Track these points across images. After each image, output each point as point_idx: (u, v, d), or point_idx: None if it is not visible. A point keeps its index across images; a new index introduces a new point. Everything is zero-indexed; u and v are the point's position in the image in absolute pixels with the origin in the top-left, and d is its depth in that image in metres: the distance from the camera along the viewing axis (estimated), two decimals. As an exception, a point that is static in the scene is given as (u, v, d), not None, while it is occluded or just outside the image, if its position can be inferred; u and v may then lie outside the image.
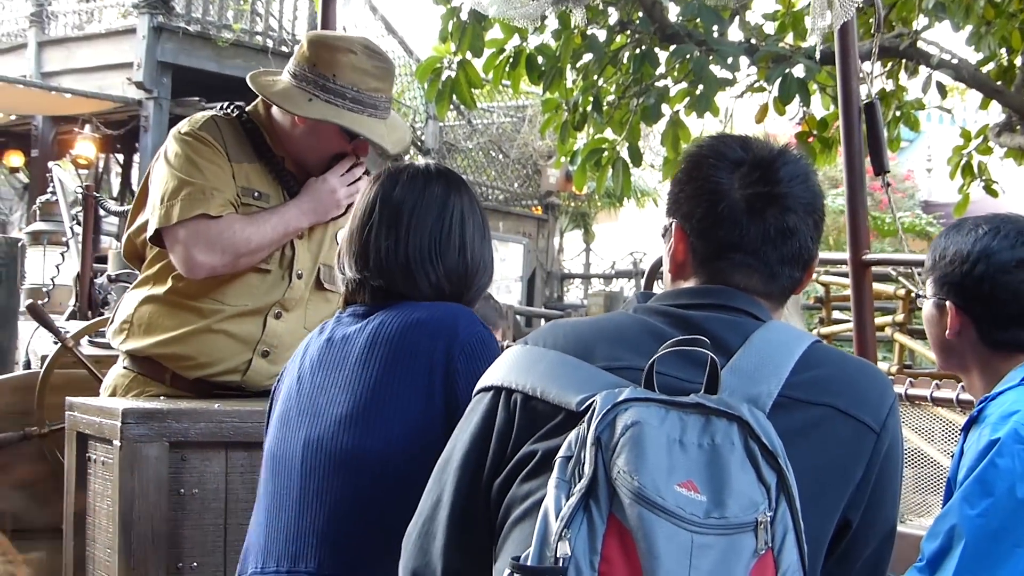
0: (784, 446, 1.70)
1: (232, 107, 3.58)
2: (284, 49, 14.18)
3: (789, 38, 8.27)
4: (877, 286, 9.92)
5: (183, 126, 3.45)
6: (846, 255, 4.11)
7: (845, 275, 10.15)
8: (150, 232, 3.36)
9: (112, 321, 3.62)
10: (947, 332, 2.61)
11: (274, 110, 3.56)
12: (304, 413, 2.50)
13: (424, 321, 2.44)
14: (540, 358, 1.92)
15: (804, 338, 1.95)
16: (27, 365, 5.06)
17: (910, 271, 8.16)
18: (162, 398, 3.35)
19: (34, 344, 5.25)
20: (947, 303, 2.60)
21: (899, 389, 3.93)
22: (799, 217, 2.02)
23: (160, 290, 3.46)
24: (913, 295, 9.10)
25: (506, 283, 16.74)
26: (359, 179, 3.55)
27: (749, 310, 1.99)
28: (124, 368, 3.53)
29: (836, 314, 11.21)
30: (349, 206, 3.53)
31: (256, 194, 3.45)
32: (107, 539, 3.05)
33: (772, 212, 2.00)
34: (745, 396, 1.77)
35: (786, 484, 1.67)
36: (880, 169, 4.12)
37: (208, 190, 3.33)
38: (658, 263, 2.20)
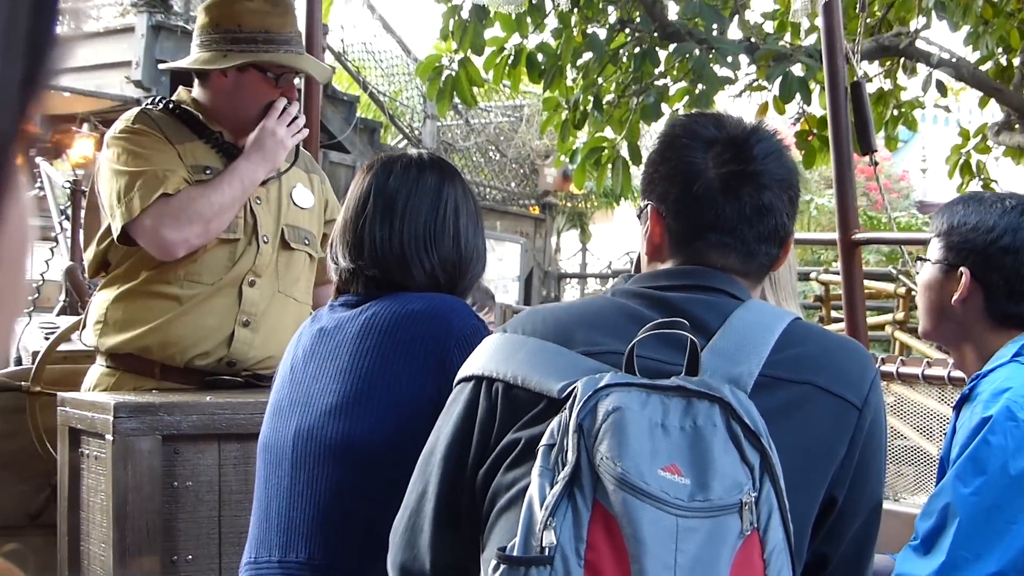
0: (767, 425, 1.70)
1: (158, 99, 3.62)
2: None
3: (788, 36, 8.27)
4: (877, 284, 9.92)
5: (115, 128, 3.46)
6: (832, 235, 4.12)
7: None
8: (117, 232, 3.35)
9: (84, 324, 3.61)
10: (953, 298, 2.60)
11: (195, 89, 3.61)
12: (296, 403, 2.50)
13: (419, 312, 2.44)
14: (520, 346, 1.92)
15: (783, 316, 1.95)
16: (18, 361, 5.03)
17: (909, 269, 8.14)
18: (154, 392, 3.34)
19: (24, 340, 5.23)
20: (961, 268, 2.60)
21: (890, 368, 3.93)
22: (774, 194, 2.01)
23: (132, 284, 3.46)
24: (913, 293, 9.09)
25: (503, 283, 16.72)
26: (296, 118, 3.58)
27: (727, 289, 1.98)
28: (107, 367, 3.51)
29: (835, 313, 11.20)
30: (297, 149, 3.64)
31: (207, 170, 3.46)
32: (101, 534, 3.05)
33: (747, 190, 1.99)
34: (726, 377, 1.77)
35: (770, 464, 1.68)
36: (867, 148, 4.13)
37: (160, 172, 3.34)
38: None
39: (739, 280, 2.02)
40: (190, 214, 3.32)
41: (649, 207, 2.08)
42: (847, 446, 1.87)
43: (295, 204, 3.67)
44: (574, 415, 1.67)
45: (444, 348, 2.39)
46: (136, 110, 3.53)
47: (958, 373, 3.63)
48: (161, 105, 3.57)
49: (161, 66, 3.78)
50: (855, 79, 4.11)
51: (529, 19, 7.67)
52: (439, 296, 2.51)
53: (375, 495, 2.35)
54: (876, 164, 4.25)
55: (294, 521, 2.42)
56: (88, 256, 3.60)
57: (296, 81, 3.64)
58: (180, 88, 3.67)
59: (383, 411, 2.38)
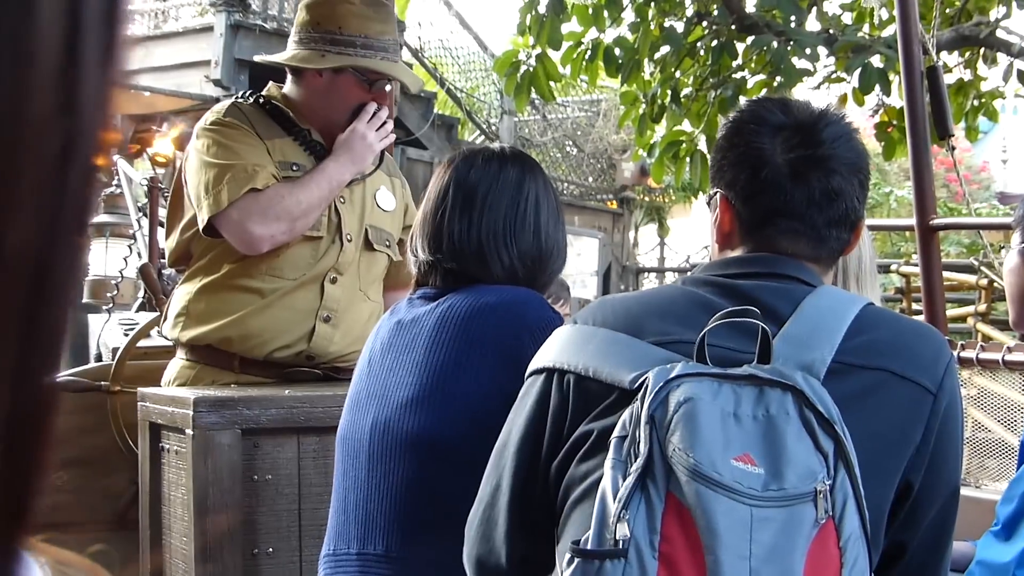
0: (840, 412, 1.69)
1: (248, 94, 3.65)
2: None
3: (867, 28, 8.19)
4: (959, 276, 9.82)
5: (206, 120, 3.50)
6: (909, 220, 4.07)
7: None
8: (202, 224, 3.38)
9: (165, 317, 3.65)
10: None
11: (287, 86, 3.64)
12: (373, 396, 2.51)
13: (493, 305, 2.43)
14: (591, 337, 1.92)
15: (856, 302, 1.93)
16: (98, 358, 5.09)
17: (991, 260, 8.06)
18: (233, 386, 3.38)
19: (104, 336, 5.28)
20: None
21: (970, 354, 3.88)
22: (844, 178, 1.99)
23: (215, 277, 3.49)
24: (996, 285, 8.99)
25: (581, 277, 16.68)
26: (385, 123, 3.61)
27: (798, 276, 1.97)
28: (187, 360, 3.55)
29: (916, 305, 11.10)
30: (382, 153, 3.66)
31: (294, 166, 3.49)
32: (183, 527, 3.08)
33: (816, 175, 1.98)
34: (799, 364, 1.76)
35: (844, 451, 1.66)
36: (944, 133, 4.08)
37: (250, 167, 3.36)
38: None
39: (810, 266, 2.01)
40: (278, 211, 3.35)
41: (718, 194, 2.07)
42: (922, 432, 1.85)
43: (378, 206, 3.70)
44: (645, 406, 1.67)
45: (519, 341, 2.38)
46: (228, 102, 3.57)
47: (1013, 357, 3.59)
48: (252, 99, 3.60)
49: (257, 58, 3.82)
50: (932, 64, 4.06)
51: (606, 13, 7.65)
52: (513, 288, 2.50)
53: (451, 488, 2.36)
54: (953, 149, 4.20)
55: (371, 514, 2.43)
56: (170, 245, 3.63)
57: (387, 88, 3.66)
58: (271, 83, 3.71)
59: (458, 405, 2.38)
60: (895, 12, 4.05)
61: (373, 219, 3.67)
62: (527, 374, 2.00)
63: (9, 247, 0.45)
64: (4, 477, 0.48)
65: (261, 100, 3.60)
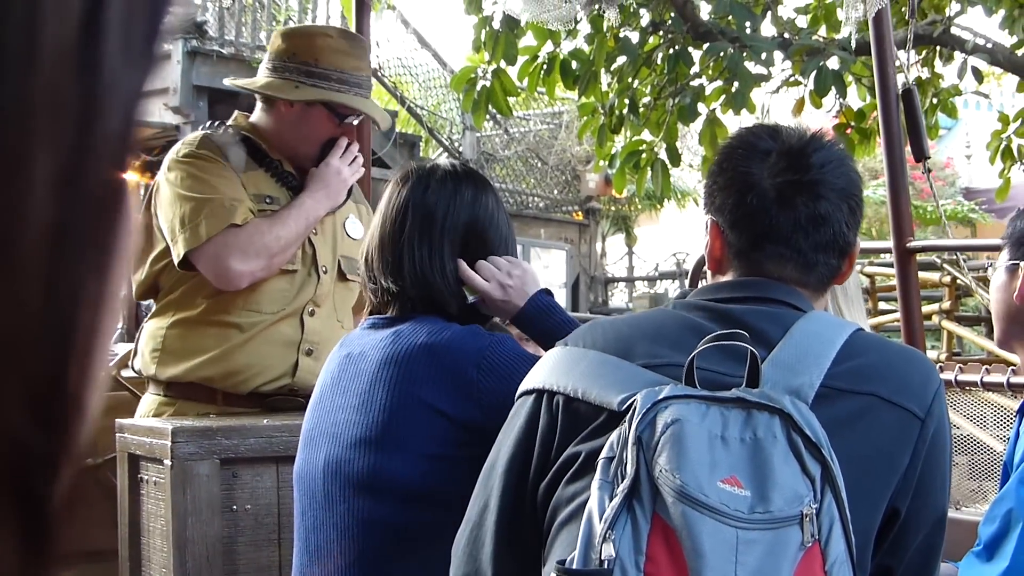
0: (828, 437, 1.69)
1: (216, 124, 3.62)
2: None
3: (822, 31, 8.24)
4: (922, 274, 9.87)
5: (178, 151, 3.46)
6: (890, 243, 4.10)
7: (889, 265, 10.13)
8: (178, 258, 3.34)
9: (136, 352, 3.61)
10: (1015, 294, 2.57)
11: (256, 114, 3.63)
12: (324, 433, 2.49)
13: (432, 347, 2.39)
14: (580, 359, 1.92)
15: (845, 327, 1.94)
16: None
17: (955, 257, 8.11)
18: (211, 416, 3.36)
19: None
20: (1021, 264, 2.57)
21: (948, 376, 3.90)
22: (831, 203, 2.00)
23: (190, 313, 3.46)
24: (959, 282, 9.05)
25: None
26: (356, 157, 3.62)
27: (788, 300, 1.98)
28: (165, 396, 3.51)
29: (882, 304, 11.16)
30: (350, 189, 3.65)
31: (268, 199, 3.48)
32: (162, 559, 3.07)
33: (802, 199, 1.99)
34: (787, 388, 1.76)
35: (831, 475, 1.67)
36: (920, 155, 4.12)
37: (228, 202, 3.35)
38: (701, 261, 2.19)
39: (799, 291, 2.02)
40: (257, 247, 3.34)
41: (709, 220, 2.09)
42: (910, 457, 1.85)
43: (348, 236, 3.71)
44: (633, 427, 1.68)
45: (466, 377, 2.36)
46: (200, 133, 3.54)
47: (1018, 379, 3.60)
48: (222, 130, 3.58)
49: (227, 81, 3.80)
50: (907, 87, 4.10)
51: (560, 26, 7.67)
52: (452, 328, 2.45)
53: (410, 527, 2.35)
54: (929, 171, 4.24)
55: (332, 553, 2.41)
56: (138, 278, 3.58)
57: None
58: (237, 113, 3.69)
59: (410, 444, 2.35)
60: (869, 35, 4.09)
61: (344, 249, 3.67)
62: (517, 395, 2.01)
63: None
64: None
65: (231, 131, 3.58)
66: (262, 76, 3.60)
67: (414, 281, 2.51)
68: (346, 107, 3.55)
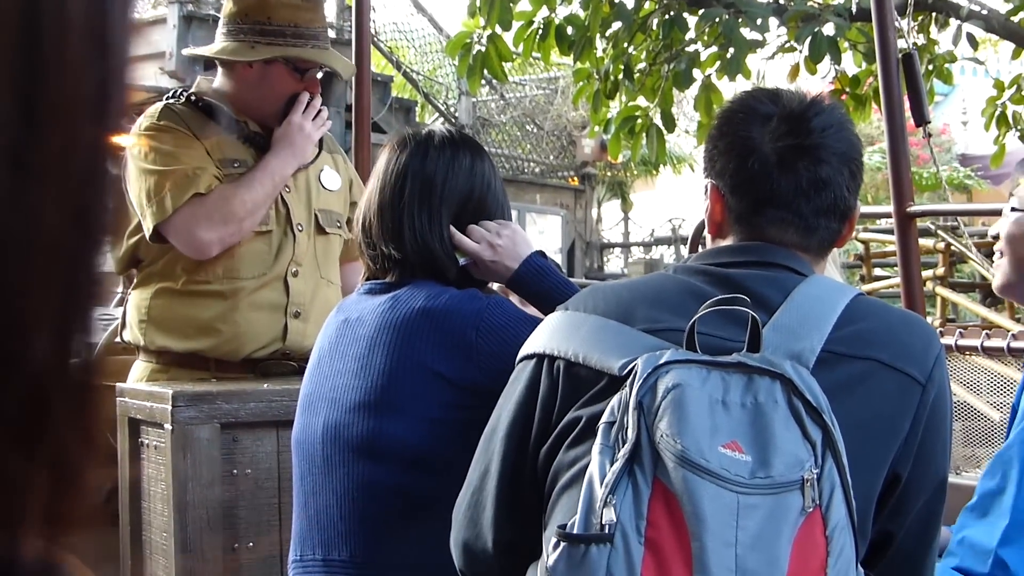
0: (829, 402, 1.70)
1: (178, 92, 3.61)
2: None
3: (819, -4, 8.24)
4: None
5: (141, 123, 3.45)
6: (887, 208, 4.10)
7: (884, 231, 10.14)
8: (149, 232, 3.35)
9: (124, 323, 3.62)
10: None
11: (218, 79, 3.62)
12: (323, 398, 2.50)
13: (430, 311, 2.40)
14: (581, 323, 1.93)
15: (847, 292, 1.94)
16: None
17: (955, 223, 8.12)
18: (212, 380, 3.38)
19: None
20: None
21: (949, 341, 3.91)
22: (832, 167, 2.00)
23: (172, 284, 3.46)
24: (953, 248, 9.05)
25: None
26: (320, 111, 3.60)
27: (789, 264, 1.98)
28: (157, 364, 3.52)
29: (877, 271, 11.18)
30: (321, 141, 3.65)
31: (235, 163, 3.48)
32: (162, 523, 3.08)
33: (803, 163, 1.99)
34: (788, 353, 1.77)
35: (832, 440, 1.67)
36: (920, 120, 4.12)
37: (191, 171, 3.34)
38: (701, 226, 2.18)
39: (800, 255, 2.02)
40: (224, 213, 3.34)
41: (709, 184, 2.09)
42: (911, 422, 1.85)
43: (324, 188, 3.70)
44: (634, 392, 1.68)
45: (465, 340, 2.37)
46: (159, 105, 3.52)
47: (1018, 344, 3.59)
48: (183, 98, 3.57)
49: (185, 51, 3.80)
50: (907, 52, 4.10)
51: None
52: (451, 292, 2.46)
53: (410, 489, 2.36)
54: (930, 136, 4.24)
55: (333, 519, 2.42)
56: (116, 253, 3.56)
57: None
58: (199, 78, 3.69)
59: (409, 407, 2.36)
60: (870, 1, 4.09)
61: (320, 203, 3.66)
62: (517, 359, 2.01)
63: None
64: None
65: (193, 98, 3.56)
66: (218, 42, 3.59)
67: (415, 248, 2.51)
68: (304, 60, 3.54)
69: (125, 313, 3.63)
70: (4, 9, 0.44)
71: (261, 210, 3.44)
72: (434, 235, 2.52)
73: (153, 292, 3.49)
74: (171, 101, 3.55)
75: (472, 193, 2.59)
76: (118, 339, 3.96)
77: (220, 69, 3.64)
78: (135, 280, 3.61)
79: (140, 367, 3.57)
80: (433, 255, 2.52)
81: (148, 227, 3.35)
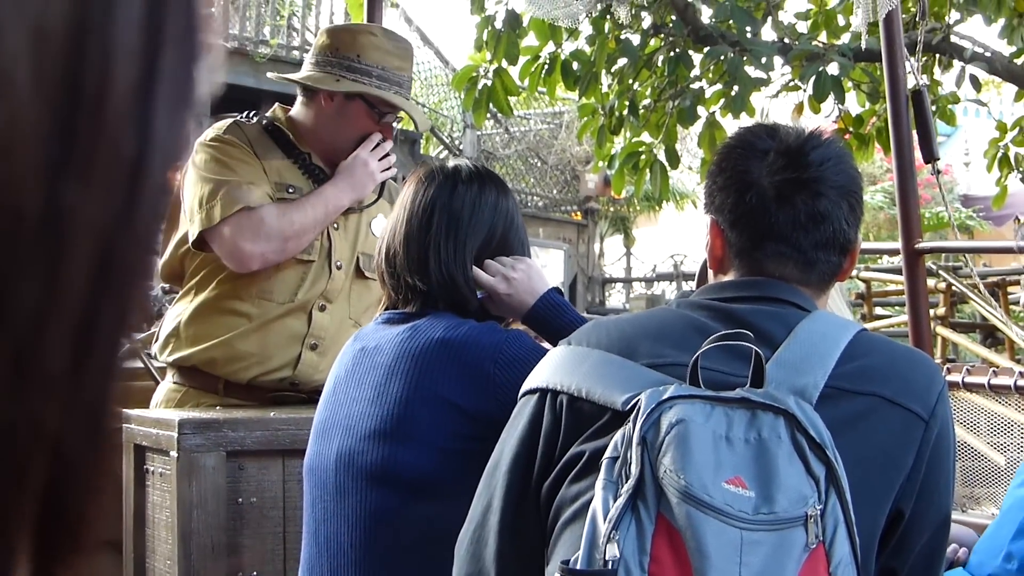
0: (832, 437, 1.70)
1: (252, 114, 3.66)
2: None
3: (822, 36, 8.28)
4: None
5: (206, 135, 3.50)
6: (891, 244, 4.13)
7: (886, 270, 10.16)
8: (193, 237, 3.39)
9: (157, 337, 3.65)
10: None
11: (295, 108, 3.66)
12: (338, 425, 2.51)
13: (449, 340, 2.42)
14: (584, 358, 1.93)
15: (850, 327, 1.95)
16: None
17: (963, 260, 8.13)
18: (218, 408, 3.39)
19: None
20: None
21: (956, 378, 3.91)
22: (830, 200, 2.01)
23: (205, 298, 3.50)
24: (954, 289, 9.08)
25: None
26: (388, 155, 3.63)
27: (791, 299, 1.99)
28: (174, 383, 3.57)
29: (878, 310, 11.19)
30: (382, 185, 3.68)
31: (290, 189, 3.50)
32: (167, 550, 3.08)
33: (801, 197, 2.00)
34: (791, 388, 1.77)
35: (835, 476, 1.68)
36: (929, 157, 4.13)
37: (244, 185, 3.38)
38: (707, 264, 2.19)
39: (802, 290, 2.03)
40: (269, 229, 3.36)
41: (709, 219, 2.10)
42: (914, 458, 1.86)
43: (373, 233, 3.71)
44: (637, 427, 1.69)
45: (483, 372, 2.39)
46: (229, 121, 3.57)
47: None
48: (255, 120, 3.61)
49: (271, 75, 3.83)
50: (917, 88, 4.12)
51: (563, 27, 7.70)
52: (470, 324, 2.48)
53: (422, 520, 2.36)
54: (939, 172, 4.26)
55: (343, 547, 2.43)
56: (163, 259, 3.64)
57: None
58: (277, 105, 3.72)
59: (424, 437, 2.37)
60: (880, 35, 4.11)
61: (366, 247, 3.67)
62: (520, 394, 2.02)
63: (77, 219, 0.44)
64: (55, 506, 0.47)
65: (264, 122, 3.61)
66: (305, 70, 3.63)
67: (439, 279, 2.54)
68: (385, 103, 3.57)
69: (160, 328, 3.67)
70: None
71: (309, 234, 3.47)
72: (458, 268, 2.55)
73: (186, 307, 3.54)
74: (242, 120, 3.60)
75: (496, 229, 2.62)
76: (145, 354, 4.00)
77: (300, 97, 3.68)
78: (176, 297, 3.67)
79: (163, 386, 3.64)
80: (457, 287, 2.55)
81: (194, 232, 3.38)
